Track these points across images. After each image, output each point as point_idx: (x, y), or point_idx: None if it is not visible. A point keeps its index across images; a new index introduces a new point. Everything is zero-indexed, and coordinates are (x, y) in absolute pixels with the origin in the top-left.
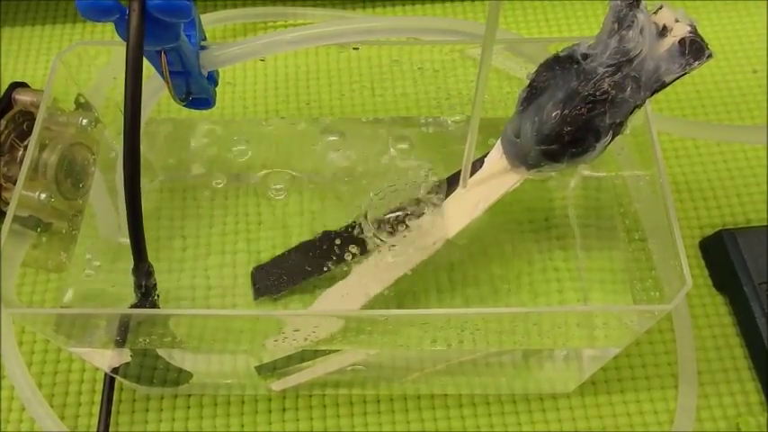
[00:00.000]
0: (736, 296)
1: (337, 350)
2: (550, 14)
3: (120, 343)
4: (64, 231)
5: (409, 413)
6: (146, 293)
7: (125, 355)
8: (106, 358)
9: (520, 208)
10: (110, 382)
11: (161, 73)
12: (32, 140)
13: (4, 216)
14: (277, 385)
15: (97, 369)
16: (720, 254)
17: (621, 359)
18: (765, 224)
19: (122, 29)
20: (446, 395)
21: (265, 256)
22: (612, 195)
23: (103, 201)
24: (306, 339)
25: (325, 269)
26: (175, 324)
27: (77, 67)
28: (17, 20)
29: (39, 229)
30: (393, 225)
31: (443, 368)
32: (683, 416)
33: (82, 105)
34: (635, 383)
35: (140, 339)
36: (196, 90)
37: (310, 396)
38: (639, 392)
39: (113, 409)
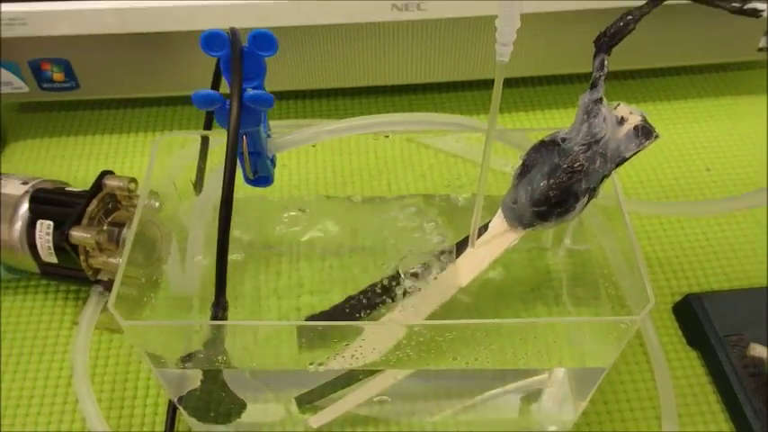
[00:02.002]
0: (706, 350)
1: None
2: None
3: (200, 359)
4: (131, 297)
5: None
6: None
7: (195, 381)
8: (177, 383)
9: (514, 276)
10: (172, 414)
11: (240, 153)
12: (134, 224)
13: (86, 279)
14: (314, 421)
15: (157, 406)
16: (690, 315)
17: (612, 405)
18: (726, 288)
19: (221, 116)
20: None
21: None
22: (595, 266)
23: (174, 265)
24: (352, 356)
25: (368, 312)
26: (231, 344)
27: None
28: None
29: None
30: (420, 276)
31: (456, 407)
32: None
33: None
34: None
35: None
36: (262, 169)
37: None
38: None
39: None
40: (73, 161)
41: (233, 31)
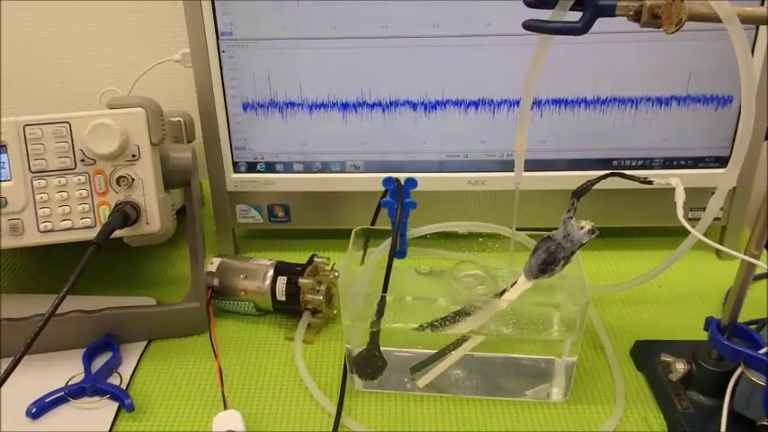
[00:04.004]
0: (648, 371)
1: (464, 340)
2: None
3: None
4: (317, 324)
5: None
6: (379, 313)
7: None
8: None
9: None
10: (344, 376)
11: (402, 234)
12: (341, 287)
13: (298, 311)
14: (422, 382)
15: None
16: (640, 353)
17: (589, 398)
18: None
19: (392, 213)
20: (488, 399)
21: None
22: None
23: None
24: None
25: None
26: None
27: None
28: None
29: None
30: (480, 305)
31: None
32: None
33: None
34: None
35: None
36: (401, 247)
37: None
38: None
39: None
40: (293, 254)
41: (398, 180)
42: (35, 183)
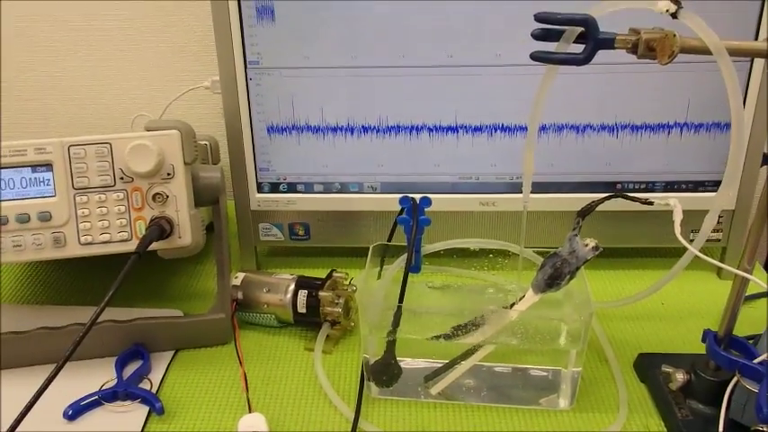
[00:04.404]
0: (650, 381)
1: (475, 350)
2: None
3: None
4: (336, 336)
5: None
6: (395, 323)
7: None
8: (373, 352)
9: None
10: (361, 383)
11: (417, 250)
12: (359, 298)
13: (318, 323)
14: (435, 389)
15: (353, 384)
16: (643, 365)
17: (595, 406)
18: (662, 352)
19: (407, 229)
20: (497, 407)
21: None
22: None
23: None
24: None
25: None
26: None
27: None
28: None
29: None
30: (490, 317)
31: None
32: None
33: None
34: (601, 416)
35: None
36: (416, 262)
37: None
38: None
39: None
40: (312, 270)
41: (413, 199)
42: (77, 199)
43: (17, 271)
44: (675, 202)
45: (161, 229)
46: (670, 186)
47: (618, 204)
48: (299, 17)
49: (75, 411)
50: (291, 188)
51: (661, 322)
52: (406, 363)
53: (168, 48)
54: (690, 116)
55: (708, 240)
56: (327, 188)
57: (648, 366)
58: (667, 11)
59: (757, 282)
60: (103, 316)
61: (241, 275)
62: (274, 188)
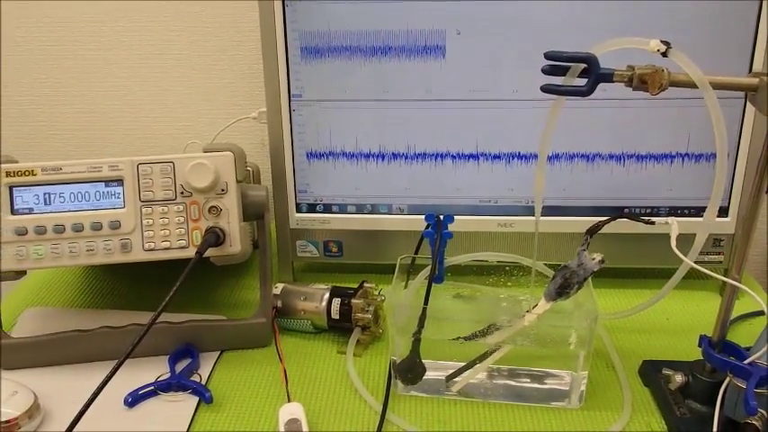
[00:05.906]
0: (654, 386)
1: (492, 353)
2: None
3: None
4: (366, 341)
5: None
6: (420, 324)
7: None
8: (400, 352)
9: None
10: (389, 381)
11: (441, 261)
12: (388, 301)
13: (350, 328)
14: (455, 387)
15: (381, 382)
16: (647, 370)
17: (602, 405)
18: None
19: (432, 242)
20: (511, 405)
21: None
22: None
23: (397, 315)
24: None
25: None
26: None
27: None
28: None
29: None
30: (506, 324)
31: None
32: None
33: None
34: (606, 414)
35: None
36: (439, 272)
37: (465, 403)
38: None
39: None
40: (344, 284)
41: (438, 215)
42: (143, 210)
43: (81, 280)
44: (673, 220)
45: (216, 235)
46: (673, 211)
47: (624, 226)
48: (337, 57)
49: (134, 399)
50: (327, 209)
51: (665, 335)
52: (429, 364)
53: (215, 85)
54: (690, 147)
55: (709, 262)
56: (359, 209)
57: (652, 372)
58: (658, 50)
59: (746, 289)
60: (158, 319)
61: (280, 285)
62: (311, 209)
